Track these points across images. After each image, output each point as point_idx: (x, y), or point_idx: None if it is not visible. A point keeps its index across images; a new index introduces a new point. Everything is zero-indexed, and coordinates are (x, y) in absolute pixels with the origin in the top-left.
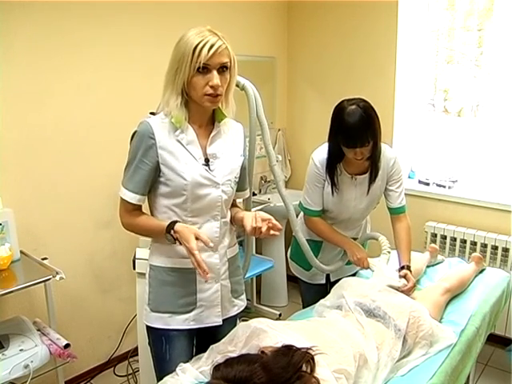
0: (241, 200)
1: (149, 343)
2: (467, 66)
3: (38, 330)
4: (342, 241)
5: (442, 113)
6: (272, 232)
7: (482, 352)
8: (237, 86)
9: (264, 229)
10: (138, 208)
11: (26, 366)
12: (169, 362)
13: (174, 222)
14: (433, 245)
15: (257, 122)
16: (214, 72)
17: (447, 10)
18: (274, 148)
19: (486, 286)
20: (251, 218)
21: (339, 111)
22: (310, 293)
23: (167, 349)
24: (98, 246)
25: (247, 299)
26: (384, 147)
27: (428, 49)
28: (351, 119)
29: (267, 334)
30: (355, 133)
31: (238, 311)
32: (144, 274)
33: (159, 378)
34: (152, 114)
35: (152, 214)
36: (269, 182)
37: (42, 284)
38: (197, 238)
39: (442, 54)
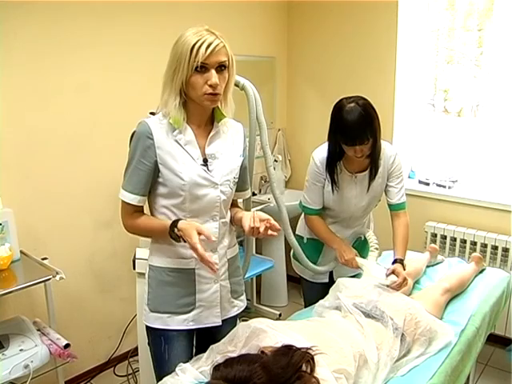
0: (241, 200)
1: (148, 343)
2: (467, 66)
3: (38, 330)
4: (333, 241)
5: (442, 113)
6: (270, 232)
7: (482, 352)
8: (236, 85)
9: (262, 229)
10: (139, 210)
11: (26, 366)
12: (168, 362)
13: (177, 220)
14: (433, 245)
15: (256, 122)
16: (213, 71)
17: (447, 10)
18: (273, 148)
19: (485, 286)
20: (249, 218)
21: (338, 109)
22: (313, 292)
23: (166, 349)
24: (98, 246)
25: (247, 299)
26: (384, 144)
27: (428, 49)
28: (350, 117)
29: (267, 334)
30: (354, 130)
31: (238, 312)
32: (144, 274)
33: (159, 378)
34: (152, 113)
35: (152, 215)
36: (268, 182)
37: (42, 284)
38: (200, 234)
39: (441, 54)
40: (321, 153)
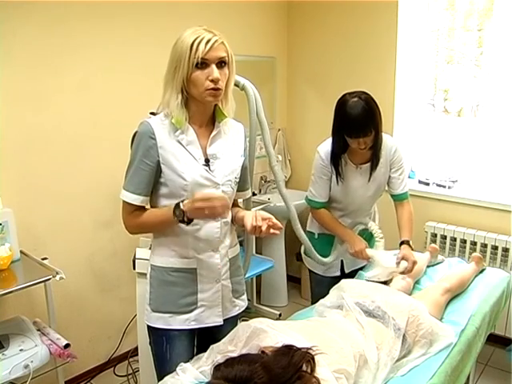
0: (241, 200)
1: (150, 343)
2: (467, 66)
3: (38, 330)
4: (343, 233)
5: (442, 113)
6: (272, 231)
7: (482, 352)
8: (237, 85)
9: (264, 227)
10: (140, 209)
11: (26, 366)
12: (169, 361)
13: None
14: (433, 245)
15: (257, 122)
16: (213, 66)
17: (447, 10)
18: (273, 148)
19: (485, 286)
20: (251, 217)
21: (342, 104)
22: (322, 286)
23: (168, 348)
24: (98, 245)
25: (247, 299)
26: (385, 137)
27: (428, 49)
28: (353, 111)
29: (267, 333)
30: (358, 123)
31: (239, 311)
32: (144, 274)
33: (160, 378)
34: (152, 114)
35: None
36: (269, 182)
37: (42, 284)
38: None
39: (441, 53)
40: (325, 147)
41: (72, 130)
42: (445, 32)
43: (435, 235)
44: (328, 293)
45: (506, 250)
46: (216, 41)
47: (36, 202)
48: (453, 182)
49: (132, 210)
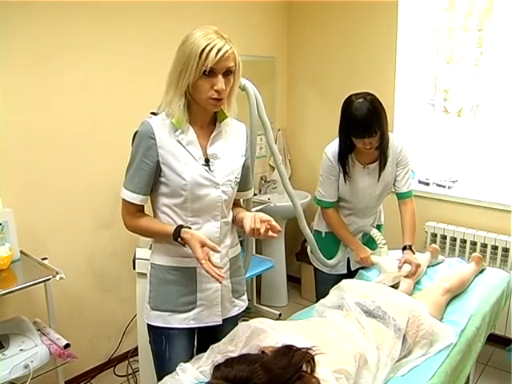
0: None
1: (149, 342)
2: (467, 66)
3: (38, 330)
4: (348, 240)
5: (442, 113)
6: (270, 233)
7: (482, 352)
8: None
9: (262, 230)
10: (140, 209)
11: (26, 366)
12: (169, 360)
13: (180, 228)
14: (434, 245)
15: (258, 122)
16: (220, 76)
17: (447, 10)
18: None
19: (485, 286)
20: (250, 219)
21: (348, 105)
22: (327, 284)
23: (167, 347)
24: (98, 245)
25: (247, 299)
26: (392, 136)
27: (428, 49)
28: (359, 112)
29: (267, 333)
30: (363, 124)
31: (239, 311)
32: (144, 274)
33: (159, 377)
34: (153, 113)
35: (154, 213)
36: (269, 182)
37: (42, 284)
38: (203, 246)
39: (441, 54)
40: (332, 147)
41: (72, 130)
42: (445, 32)
43: (435, 235)
44: None
45: (506, 250)
46: (227, 51)
47: (36, 201)
48: (453, 182)
49: (131, 209)
